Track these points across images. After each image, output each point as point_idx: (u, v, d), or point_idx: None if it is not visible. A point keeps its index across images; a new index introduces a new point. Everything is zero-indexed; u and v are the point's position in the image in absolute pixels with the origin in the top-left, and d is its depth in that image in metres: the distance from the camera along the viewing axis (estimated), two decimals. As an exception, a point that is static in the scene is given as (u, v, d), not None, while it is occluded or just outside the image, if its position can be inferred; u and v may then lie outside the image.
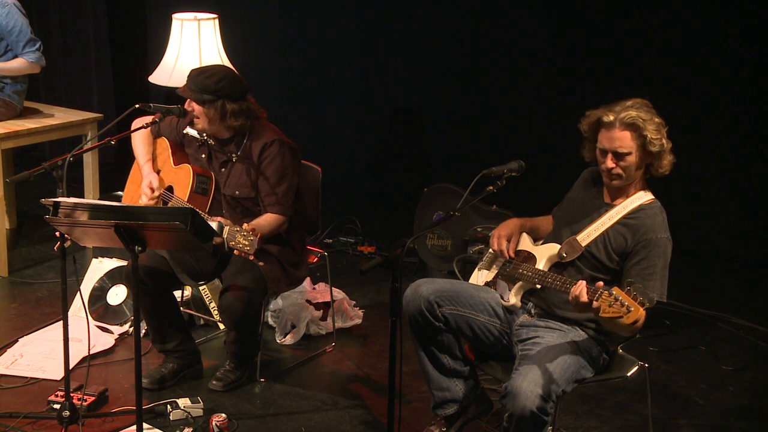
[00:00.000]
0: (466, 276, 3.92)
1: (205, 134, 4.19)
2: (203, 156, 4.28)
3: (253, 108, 4.17)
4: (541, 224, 3.80)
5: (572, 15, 6.13)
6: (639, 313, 2.99)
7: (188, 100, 4.12)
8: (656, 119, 3.39)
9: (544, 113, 6.28)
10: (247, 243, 3.68)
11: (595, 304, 3.12)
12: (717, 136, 5.86)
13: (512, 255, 3.69)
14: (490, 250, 3.80)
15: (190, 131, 4.22)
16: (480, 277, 3.82)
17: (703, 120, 5.83)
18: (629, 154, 3.39)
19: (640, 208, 3.45)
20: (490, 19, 6.38)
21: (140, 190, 4.33)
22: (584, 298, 3.15)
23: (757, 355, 4.78)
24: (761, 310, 5.22)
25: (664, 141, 3.39)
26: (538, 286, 3.56)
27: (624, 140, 3.38)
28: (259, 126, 4.21)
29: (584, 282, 3.19)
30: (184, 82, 4.15)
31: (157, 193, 4.30)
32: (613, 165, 3.42)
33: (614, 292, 3.04)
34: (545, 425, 3.28)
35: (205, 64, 5.01)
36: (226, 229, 3.74)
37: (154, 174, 4.35)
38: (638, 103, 3.41)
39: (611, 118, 3.38)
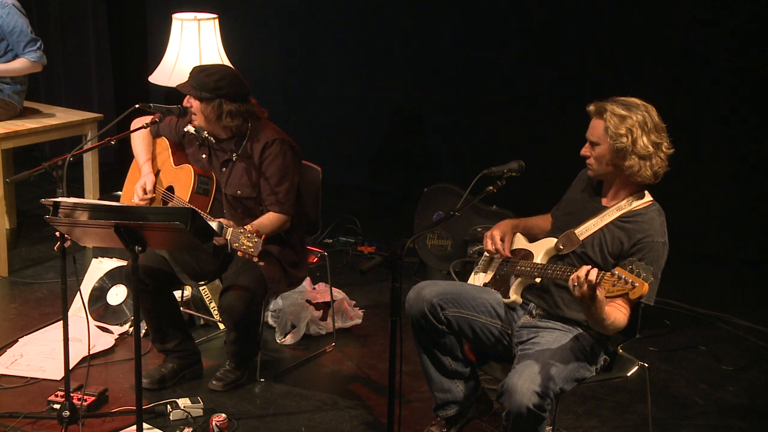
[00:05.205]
0: (464, 280, 3.91)
1: (204, 132, 4.19)
2: (203, 156, 4.28)
3: (253, 110, 4.17)
4: (537, 224, 3.79)
5: (572, 15, 6.13)
6: (644, 289, 3.00)
7: (187, 96, 4.14)
8: (634, 117, 3.34)
9: (543, 113, 6.28)
10: (251, 245, 3.67)
11: (598, 290, 3.11)
12: (718, 135, 5.86)
13: (508, 254, 3.69)
14: (485, 253, 3.80)
15: (189, 129, 4.22)
16: (477, 280, 3.81)
17: (704, 119, 5.83)
18: (598, 144, 3.42)
19: (637, 212, 3.43)
20: (490, 19, 6.37)
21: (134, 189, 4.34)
22: (592, 276, 3.10)
23: (757, 355, 4.78)
24: (761, 310, 5.22)
25: (629, 140, 3.33)
26: (538, 280, 3.55)
27: (594, 129, 3.43)
28: (259, 126, 4.21)
29: (590, 266, 3.17)
30: (186, 80, 4.17)
31: (149, 195, 4.29)
32: (588, 153, 3.47)
33: (616, 272, 3.05)
34: (542, 421, 3.28)
35: (206, 63, 5.01)
36: (230, 230, 3.74)
37: (152, 175, 4.35)
38: (630, 101, 3.39)
39: (592, 107, 3.44)
